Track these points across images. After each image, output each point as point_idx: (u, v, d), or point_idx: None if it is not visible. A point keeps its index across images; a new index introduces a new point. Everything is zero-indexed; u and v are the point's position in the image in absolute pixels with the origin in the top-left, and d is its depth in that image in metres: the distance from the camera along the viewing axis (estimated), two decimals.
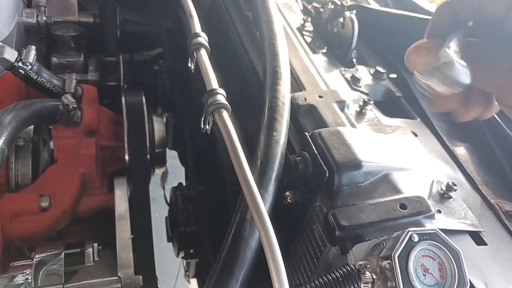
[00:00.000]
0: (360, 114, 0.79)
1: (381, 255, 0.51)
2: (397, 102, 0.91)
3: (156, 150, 1.05)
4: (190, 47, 0.67)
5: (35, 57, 0.88)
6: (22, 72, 0.86)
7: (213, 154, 1.04)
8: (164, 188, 1.43)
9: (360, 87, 0.89)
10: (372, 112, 0.80)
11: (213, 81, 0.60)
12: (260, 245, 0.51)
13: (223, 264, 0.53)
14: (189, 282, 1.41)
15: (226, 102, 0.57)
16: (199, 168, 1.27)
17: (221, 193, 1.03)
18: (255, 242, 0.54)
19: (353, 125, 0.73)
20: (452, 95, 0.45)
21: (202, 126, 0.59)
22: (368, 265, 0.52)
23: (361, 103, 0.79)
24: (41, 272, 0.73)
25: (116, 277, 0.71)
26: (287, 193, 0.65)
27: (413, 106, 0.90)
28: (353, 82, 0.90)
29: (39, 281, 0.72)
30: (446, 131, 0.84)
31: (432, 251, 0.51)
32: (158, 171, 1.11)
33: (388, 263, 0.50)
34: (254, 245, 0.54)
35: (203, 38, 0.69)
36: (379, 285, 0.51)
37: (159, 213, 1.38)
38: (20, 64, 0.86)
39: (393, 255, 0.49)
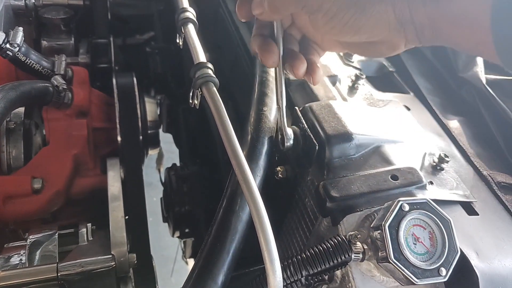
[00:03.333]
0: (353, 88, 0.78)
1: (371, 225, 0.51)
2: (390, 77, 0.90)
3: (149, 131, 1.04)
4: (177, 22, 0.66)
5: (23, 38, 0.87)
6: (10, 53, 0.86)
7: (207, 135, 1.04)
8: (159, 171, 1.43)
9: (352, 62, 0.88)
10: (364, 86, 0.79)
11: (201, 55, 0.59)
12: (251, 218, 0.51)
13: (215, 237, 0.53)
14: (186, 263, 1.42)
15: (214, 76, 0.56)
16: (193, 149, 1.27)
17: (215, 173, 1.03)
18: (246, 215, 0.54)
19: (344, 99, 0.72)
20: None
21: (191, 101, 0.58)
22: (359, 236, 0.52)
23: (353, 78, 0.79)
24: (35, 253, 0.73)
25: (110, 256, 0.71)
26: (278, 168, 0.65)
27: (406, 81, 0.89)
28: (346, 57, 0.89)
29: (34, 261, 0.72)
30: (440, 105, 0.84)
31: (423, 220, 0.51)
32: (152, 153, 1.11)
33: (378, 233, 0.50)
34: (245, 218, 0.54)
35: (191, 13, 0.67)
36: (370, 255, 0.51)
37: (156, 197, 1.38)
38: (7, 45, 0.85)
39: (384, 224, 0.49)
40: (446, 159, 0.63)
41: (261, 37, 0.58)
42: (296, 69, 0.57)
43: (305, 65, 0.57)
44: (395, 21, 0.45)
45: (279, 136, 0.62)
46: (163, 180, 1.25)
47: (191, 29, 0.64)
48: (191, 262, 1.42)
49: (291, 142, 0.61)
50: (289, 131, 0.61)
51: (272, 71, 0.68)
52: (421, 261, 0.49)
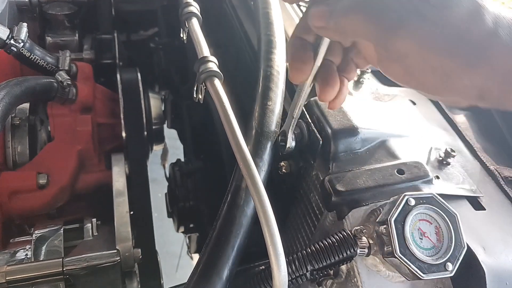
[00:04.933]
0: (358, 83, 0.77)
1: (377, 220, 0.51)
2: None
3: (153, 127, 1.04)
4: (181, 16, 0.66)
5: (27, 34, 0.87)
6: (15, 49, 0.86)
7: (211, 130, 1.03)
8: (164, 167, 1.43)
9: None
10: (370, 81, 0.78)
11: (205, 49, 0.59)
12: (256, 213, 0.51)
13: (219, 232, 0.52)
14: (191, 258, 1.42)
15: (218, 70, 0.56)
16: (197, 144, 1.27)
17: (219, 169, 1.03)
18: (251, 209, 0.54)
19: (350, 94, 0.72)
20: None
21: (195, 96, 0.58)
22: (365, 230, 0.52)
23: (358, 72, 0.78)
24: (41, 248, 0.73)
25: (115, 251, 0.71)
26: (282, 163, 0.64)
27: None
28: None
29: (40, 256, 0.73)
30: None
31: (429, 215, 0.51)
32: (156, 148, 1.11)
33: (384, 228, 0.50)
34: (250, 212, 0.54)
35: (195, 7, 0.67)
36: (375, 250, 0.51)
37: (161, 193, 1.38)
38: (12, 41, 0.85)
39: (389, 219, 0.49)
40: (453, 153, 0.63)
41: (300, 41, 0.51)
42: (323, 95, 0.50)
43: (335, 91, 0.50)
44: (476, 97, 0.39)
45: (279, 139, 0.61)
46: (167, 176, 1.25)
47: (195, 23, 0.64)
48: (196, 257, 1.42)
49: (293, 145, 0.60)
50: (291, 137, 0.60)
51: (276, 66, 0.67)
52: (427, 256, 0.49)
